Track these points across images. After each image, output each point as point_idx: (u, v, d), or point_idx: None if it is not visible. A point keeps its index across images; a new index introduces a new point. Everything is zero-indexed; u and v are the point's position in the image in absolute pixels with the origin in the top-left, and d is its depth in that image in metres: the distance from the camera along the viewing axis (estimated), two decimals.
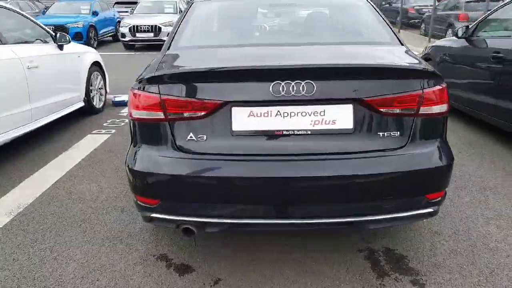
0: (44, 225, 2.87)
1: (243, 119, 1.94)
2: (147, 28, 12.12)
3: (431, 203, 2.01)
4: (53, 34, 4.93)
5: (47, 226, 2.86)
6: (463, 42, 4.80)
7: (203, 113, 1.95)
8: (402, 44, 2.40)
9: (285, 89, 1.88)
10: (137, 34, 12.25)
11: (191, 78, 1.97)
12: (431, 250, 2.47)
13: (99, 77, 5.90)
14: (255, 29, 2.78)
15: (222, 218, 2.01)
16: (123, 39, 12.55)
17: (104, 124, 5.23)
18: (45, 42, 4.85)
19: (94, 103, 5.67)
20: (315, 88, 1.87)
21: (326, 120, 1.93)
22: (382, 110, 1.93)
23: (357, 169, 1.89)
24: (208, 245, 2.57)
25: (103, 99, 5.99)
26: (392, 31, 2.52)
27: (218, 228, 2.08)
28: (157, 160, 2.02)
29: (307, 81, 1.87)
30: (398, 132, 1.96)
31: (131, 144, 2.23)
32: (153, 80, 2.00)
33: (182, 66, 2.01)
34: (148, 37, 12.20)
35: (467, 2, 13.54)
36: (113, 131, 4.94)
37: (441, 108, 1.98)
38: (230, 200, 1.97)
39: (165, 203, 2.03)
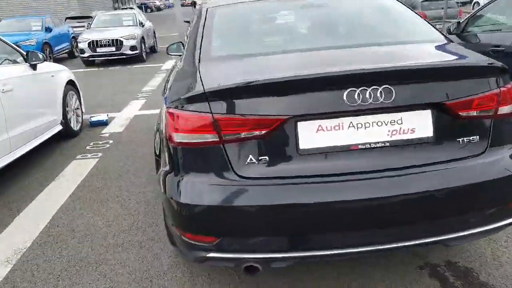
0: (52, 273, 2.47)
1: (311, 135, 1.69)
2: (108, 42, 11.54)
3: None
4: (24, 52, 4.44)
5: (57, 273, 2.46)
6: (455, 38, 4.81)
7: (264, 131, 1.68)
8: (451, 41, 2.25)
9: (361, 97, 1.65)
10: (98, 49, 11.62)
11: (249, 92, 1.70)
12: (495, 259, 2.32)
13: (74, 96, 5.42)
14: (290, 33, 2.53)
15: (293, 252, 1.74)
16: (82, 55, 11.87)
17: (87, 148, 4.78)
18: (15, 62, 4.36)
19: (72, 125, 5.18)
20: (394, 94, 1.66)
21: (404, 129, 1.72)
22: (461, 113, 1.74)
23: (443, 181, 1.70)
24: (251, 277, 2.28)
25: (80, 120, 5.51)
26: (433, 27, 2.37)
27: (287, 262, 1.81)
28: (213, 189, 1.72)
29: (385, 86, 1.65)
30: (478, 137, 1.79)
31: (168, 172, 1.91)
32: (201, 98, 1.71)
33: (233, 79, 1.73)
34: (110, 52, 11.61)
35: (423, 1, 14.10)
36: (100, 154, 4.51)
37: None
38: (304, 230, 1.70)
39: (226, 240, 1.74)
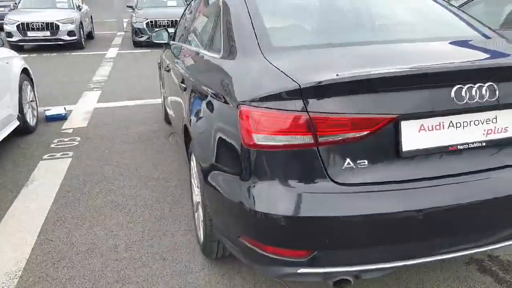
0: None
1: (414, 135, 1.56)
2: (42, 25, 10.42)
3: None
4: None
5: None
6: None
7: (365, 132, 1.51)
8: (503, 36, 2.23)
9: (468, 94, 1.54)
10: (29, 33, 10.46)
11: (352, 88, 1.51)
12: None
13: (29, 87, 4.76)
14: (350, 22, 2.32)
15: (389, 262, 1.60)
16: (9, 39, 10.59)
17: (52, 146, 4.22)
18: None
19: (28, 120, 4.55)
20: (497, 91, 1.57)
21: (498, 128, 1.65)
22: None
23: None
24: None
25: (35, 114, 4.87)
26: (477, 20, 2.34)
27: (381, 273, 1.67)
28: (308, 198, 1.52)
29: (490, 83, 1.56)
30: None
31: (233, 176, 1.68)
32: (296, 94, 1.49)
33: (328, 74, 1.52)
34: (44, 36, 10.50)
35: None
36: (71, 153, 4.00)
37: None
38: (404, 239, 1.57)
39: (321, 254, 1.55)
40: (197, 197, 2.42)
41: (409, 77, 1.53)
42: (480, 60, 1.70)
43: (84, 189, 3.27)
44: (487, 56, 1.84)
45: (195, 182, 2.43)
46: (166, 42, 3.95)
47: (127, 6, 13.05)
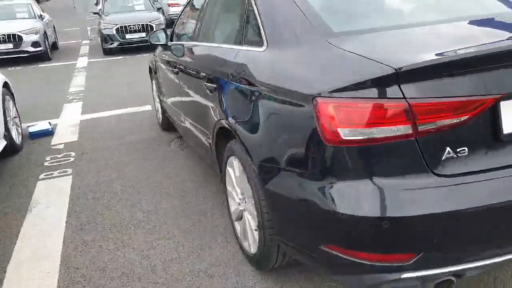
0: None
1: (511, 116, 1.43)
2: (4, 37, 9.78)
3: None
4: None
5: None
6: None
7: (465, 116, 1.37)
8: None
9: None
10: None
11: (451, 69, 1.36)
12: None
13: (11, 102, 4.38)
14: (401, 5, 2.16)
15: (494, 257, 1.47)
16: None
17: (46, 164, 3.88)
18: None
19: (14, 138, 4.18)
20: None
21: None
22: None
23: None
24: None
25: (20, 131, 4.48)
26: None
27: (482, 270, 1.53)
28: (409, 196, 1.37)
29: None
30: None
31: (312, 179, 1.51)
32: (390, 79, 1.33)
33: (419, 55, 1.37)
34: (7, 49, 9.85)
35: None
36: (70, 170, 3.69)
37: None
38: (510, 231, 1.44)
39: (426, 255, 1.39)
40: (239, 205, 2.23)
41: (505, 53, 1.40)
42: None
43: (97, 207, 2.99)
44: None
45: (236, 188, 2.23)
46: (164, 43, 3.70)
47: (93, 13, 12.50)
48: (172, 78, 3.42)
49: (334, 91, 1.42)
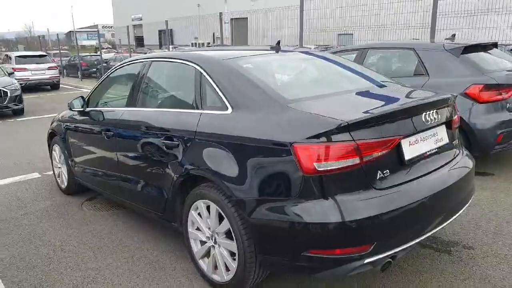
0: None
1: (408, 149, 2.28)
2: None
3: None
4: None
5: None
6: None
7: (386, 150, 2.16)
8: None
9: (428, 118, 2.38)
10: None
11: (378, 120, 2.14)
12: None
13: None
14: (318, 78, 2.95)
15: (413, 240, 2.24)
16: None
17: None
18: None
19: None
20: (439, 115, 2.47)
21: (439, 138, 2.54)
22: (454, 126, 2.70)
23: (456, 172, 2.55)
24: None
25: None
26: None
27: (406, 251, 2.28)
28: (362, 204, 2.06)
29: (435, 110, 2.44)
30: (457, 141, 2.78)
31: (294, 203, 2.10)
32: (344, 129, 2.05)
33: (355, 113, 2.13)
34: None
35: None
36: None
37: None
38: (420, 219, 2.24)
39: (378, 243, 2.08)
40: (206, 242, 2.62)
41: (405, 110, 2.28)
42: (430, 96, 2.58)
43: (37, 275, 2.92)
44: (431, 94, 2.71)
45: (203, 228, 2.62)
46: (82, 109, 3.89)
47: None
48: (100, 141, 3.60)
49: (307, 138, 2.06)
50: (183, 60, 2.99)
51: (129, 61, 3.69)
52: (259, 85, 2.49)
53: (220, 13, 11.71)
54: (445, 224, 2.44)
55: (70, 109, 3.92)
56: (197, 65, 2.83)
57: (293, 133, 2.13)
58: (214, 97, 2.64)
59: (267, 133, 2.23)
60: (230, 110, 2.50)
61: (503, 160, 5.06)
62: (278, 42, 3.35)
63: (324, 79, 3.06)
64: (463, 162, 2.69)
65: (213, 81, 2.67)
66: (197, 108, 2.73)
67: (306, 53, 3.42)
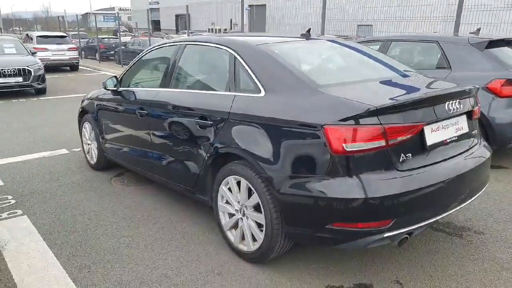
0: None
1: (430, 135, 2.45)
2: (14, 71, 9.85)
3: None
4: None
5: None
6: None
7: (411, 135, 2.33)
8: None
9: (451, 107, 2.54)
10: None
11: (403, 107, 2.31)
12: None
13: None
14: (348, 66, 3.14)
15: (429, 219, 2.41)
16: None
17: None
18: None
19: None
20: (461, 105, 2.62)
21: (460, 127, 2.69)
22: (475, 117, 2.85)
23: (475, 159, 2.72)
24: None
25: None
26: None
27: (422, 229, 2.46)
28: (385, 183, 2.24)
29: (457, 100, 2.60)
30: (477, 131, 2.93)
31: (323, 180, 2.28)
32: (372, 113, 2.22)
33: (382, 99, 2.31)
34: (17, 82, 9.94)
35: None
36: (19, 211, 3.68)
37: None
38: (437, 200, 2.42)
39: (397, 220, 2.26)
40: (235, 215, 2.83)
41: (430, 98, 2.45)
42: (453, 87, 2.73)
43: (76, 238, 3.17)
44: (453, 84, 2.85)
45: (232, 202, 2.83)
46: (115, 89, 4.11)
47: None
48: (132, 120, 3.82)
49: (339, 120, 2.24)
50: (218, 44, 3.17)
51: (162, 44, 3.88)
52: (291, 70, 2.67)
53: (242, 0, 11.80)
54: (458, 207, 2.61)
55: (105, 88, 4.14)
56: (232, 49, 3.01)
57: (324, 115, 2.31)
58: (248, 80, 2.82)
59: (299, 115, 2.41)
60: (263, 93, 2.68)
61: None
62: (309, 30, 3.50)
63: (350, 66, 3.22)
64: (480, 151, 2.83)
65: (247, 65, 2.85)
66: (231, 91, 2.92)
67: (334, 41, 3.57)
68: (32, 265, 2.80)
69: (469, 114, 2.79)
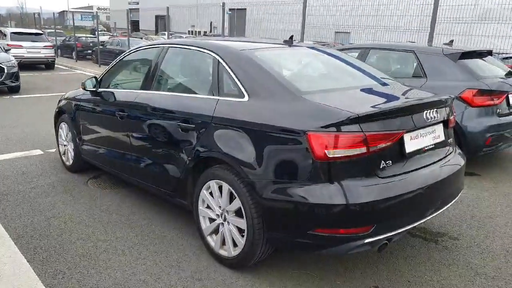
0: None
1: (409, 143, 2.50)
2: None
3: None
4: None
5: None
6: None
7: (391, 142, 2.37)
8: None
9: (429, 115, 2.60)
10: None
11: (385, 115, 2.35)
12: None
13: None
14: (326, 73, 3.16)
15: (407, 225, 2.46)
16: None
17: None
18: None
19: None
20: (438, 114, 2.69)
21: (436, 135, 2.76)
22: (450, 126, 2.93)
23: (450, 167, 2.79)
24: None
25: None
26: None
27: (400, 236, 2.50)
28: (365, 189, 2.27)
29: (435, 109, 2.66)
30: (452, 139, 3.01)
31: (304, 185, 2.29)
32: (354, 120, 2.25)
33: (363, 107, 2.34)
34: None
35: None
36: None
37: None
38: (414, 207, 2.46)
39: (378, 225, 2.29)
40: (215, 220, 2.81)
41: (410, 107, 2.50)
42: (431, 96, 2.81)
43: (50, 242, 3.08)
44: (430, 94, 2.93)
45: (213, 206, 2.81)
46: (94, 90, 4.03)
47: None
48: (112, 121, 3.75)
49: (321, 127, 2.26)
50: (202, 48, 3.16)
51: (144, 46, 3.84)
52: (275, 76, 2.68)
53: (223, 3, 11.81)
54: (435, 214, 2.67)
55: (84, 88, 4.05)
56: (216, 53, 3.00)
57: (307, 121, 2.33)
58: (231, 85, 2.81)
59: (282, 121, 2.42)
60: (246, 97, 2.68)
61: (490, 162, 5.35)
62: (291, 37, 3.53)
63: (332, 74, 3.26)
64: (456, 159, 2.91)
65: (231, 70, 2.84)
66: (214, 95, 2.90)
67: (315, 48, 3.61)
68: (2, 271, 2.70)
69: (445, 123, 2.86)
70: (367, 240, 2.30)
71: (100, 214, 3.59)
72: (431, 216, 2.64)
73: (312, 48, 3.63)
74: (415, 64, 5.13)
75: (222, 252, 2.81)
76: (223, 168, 2.70)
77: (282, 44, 3.41)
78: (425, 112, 2.60)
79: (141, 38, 23.50)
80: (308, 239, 2.35)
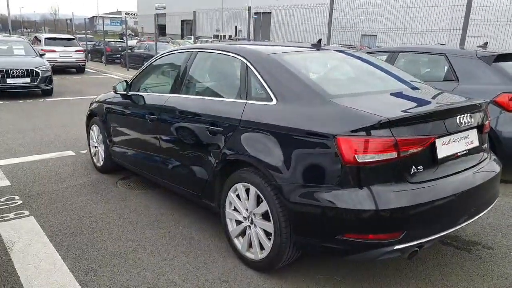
0: None
1: (441, 148, 2.44)
2: (22, 72, 10.03)
3: None
4: None
5: None
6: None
7: (422, 147, 2.32)
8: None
9: (462, 120, 2.54)
10: (8, 80, 9.88)
11: (415, 119, 2.32)
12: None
13: None
14: (357, 77, 3.16)
15: (439, 233, 2.40)
16: None
17: None
18: None
19: None
20: (472, 119, 2.62)
21: (470, 141, 2.69)
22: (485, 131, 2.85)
23: (485, 173, 2.72)
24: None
25: None
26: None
27: (432, 242, 2.45)
28: (396, 195, 2.23)
29: (468, 114, 2.60)
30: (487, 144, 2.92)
31: (333, 190, 2.28)
32: (385, 125, 2.22)
33: (394, 111, 2.31)
34: (24, 83, 10.09)
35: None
36: (26, 212, 3.68)
37: None
38: (448, 213, 2.41)
39: (408, 232, 2.25)
40: (242, 222, 2.82)
41: (442, 111, 2.45)
42: (464, 100, 2.75)
43: (83, 240, 3.17)
44: (464, 98, 2.87)
45: (240, 209, 2.82)
46: (125, 93, 4.13)
47: None
48: (141, 124, 3.83)
49: (351, 131, 2.24)
50: (230, 52, 3.19)
51: (173, 51, 3.90)
52: (303, 80, 2.68)
53: (249, 7, 11.88)
54: (468, 222, 2.60)
55: (115, 91, 4.16)
56: (244, 58, 3.02)
57: (337, 126, 2.31)
58: (259, 88, 2.83)
59: (310, 124, 2.41)
60: (274, 101, 2.68)
61: None
62: (319, 40, 3.52)
63: (361, 77, 3.23)
64: (490, 166, 2.82)
65: (259, 74, 2.86)
66: (242, 98, 2.92)
67: (343, 52, 3.58)
68: (39, 267, 2.79)
69: (480, 128, 2.79)
70: (397, 247, 2.26)
71: (129, 214, 3.67)
72: (464, 224, 2.56)
73: (340, 51, 3.60)
74: (446, 68, 5.01)
75: (249, 255, 2.82)
76: (250, 171, 2.71)
77: (310, 48, 3.41)
78: (458, 117, 2.54)
79: (168, 43, 23.90)
80: (336, 244, 2.33)
